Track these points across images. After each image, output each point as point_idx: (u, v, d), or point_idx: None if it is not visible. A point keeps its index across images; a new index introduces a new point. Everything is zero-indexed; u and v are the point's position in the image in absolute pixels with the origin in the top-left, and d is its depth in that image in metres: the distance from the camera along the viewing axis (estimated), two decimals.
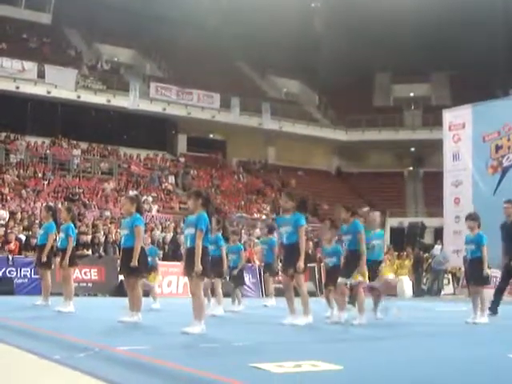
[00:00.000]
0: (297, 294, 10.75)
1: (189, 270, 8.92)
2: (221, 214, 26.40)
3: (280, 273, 11.33)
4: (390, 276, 11.15)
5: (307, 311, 10.60)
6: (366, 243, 11.44)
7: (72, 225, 13.67)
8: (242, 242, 27.99)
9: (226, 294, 14.82)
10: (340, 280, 11.46)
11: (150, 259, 15.20)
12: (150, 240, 16.43)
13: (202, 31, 48.32)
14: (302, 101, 53.35)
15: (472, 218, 12.23)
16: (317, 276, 25.51)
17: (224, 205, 37.60)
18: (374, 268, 11.80)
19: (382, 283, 11.74)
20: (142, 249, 10.46)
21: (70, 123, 39.71)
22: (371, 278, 11.60)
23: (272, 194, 42.39)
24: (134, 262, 10.18)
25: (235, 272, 15.00)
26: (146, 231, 20.20)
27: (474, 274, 12.00)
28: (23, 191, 30.46)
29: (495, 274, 25.68)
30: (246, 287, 23.12)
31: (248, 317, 13.58)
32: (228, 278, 14.98)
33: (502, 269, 14.30)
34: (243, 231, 30.37)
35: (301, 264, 10.32)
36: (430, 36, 48.02)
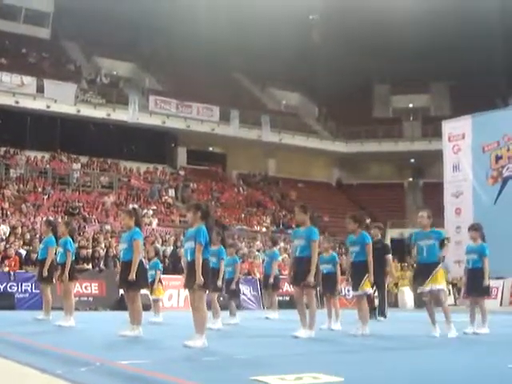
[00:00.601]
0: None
1: (190, 283, 8.89)
2: (220, 227, 26.40)
3: (292, 285, 11.31)
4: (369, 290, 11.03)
5: (312, 325, 10.56)
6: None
7: (70, 239, 13.65)
8: (242, 254, 28.08)
9: (223, 307, 14.86)
10: (353, 293, 11.58)
11: (153, 272, 15.28)
12: (154, 253, 16.38)
13: (200, 44, 48.37)
14: (301, 113, 53.40)
15: (474, 228, 12.24)
16: (318, 288, 25.48)
17: (224, 217, 37.57)
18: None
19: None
20: (141, 262, 10.45)
21: (69, 137, 39.70)
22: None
23: (272, 207, 42.38)
24: (132, 276, 10.18)
25: (233, 285, 15.04)
26: (145, 244, 20.20)
27: (475, 285, 11.97)
28: (23, 206, 30.44)
29: (496, 284, 25.72)
30: (247, 299, 23.15)
31: (249, 329, 13.56)
32: (224, 291, 15.05)
33: None
34: (243, 244, 30.35)
35: (311, 279, 10.33)
36: (429, 47, 48.12)
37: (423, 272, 10.94)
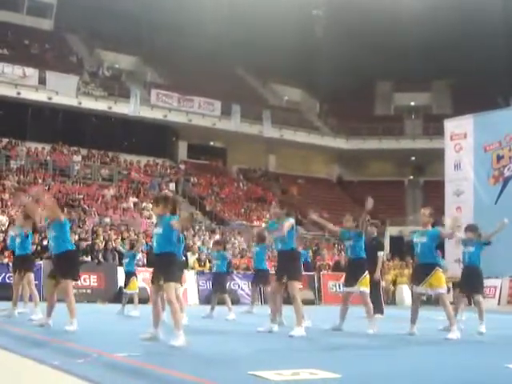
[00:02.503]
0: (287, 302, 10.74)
1: (162, 276, 8.71)
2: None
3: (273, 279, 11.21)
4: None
5: (300, 320, 10.40)
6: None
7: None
8: (241, 249, 28.11)
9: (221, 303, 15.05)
10: (346, 289, 11.51)
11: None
12: (128, 246, 16.59)
13: (203, 38, 48.33)
14: (302, 109, 53.37)
15: (471, 229, 12.26)
16: (316, 284, 25.56)
17: (224, 212, 37.59)
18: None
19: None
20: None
21: (70, 129, 39.67)
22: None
23: (272, 202, 42.33)
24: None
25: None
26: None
27: (470, 282, 11.99)
28: (23, 197, 30.40)
29: (494, 284, 25.79)
30: (244, 295, 23.17)
31: (245, 325, 13.56)
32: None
33: None
34: (243, 239, 30.37)
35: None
36: (432, 45, 48.04)
37: (418, 272, 10.92)
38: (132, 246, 16.52)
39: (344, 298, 11.81)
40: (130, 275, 15.82)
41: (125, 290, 15.91)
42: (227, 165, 47.58)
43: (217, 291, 15.77)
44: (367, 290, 11.53)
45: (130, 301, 15.76)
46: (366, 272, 11.50)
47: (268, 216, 33.66)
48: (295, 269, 10.56)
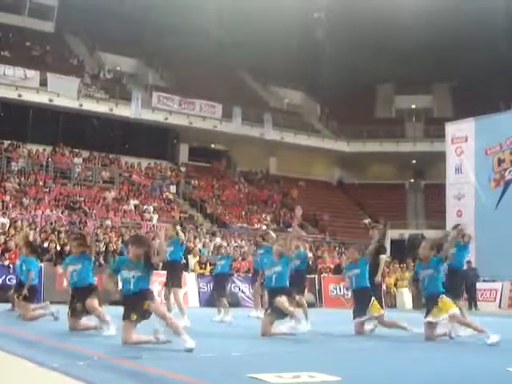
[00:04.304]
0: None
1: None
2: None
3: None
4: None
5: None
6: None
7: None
8: (242, 252, 28.10)
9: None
10: (357, 320, 11.43)
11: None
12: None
13: (204, 41, 48.37)
14: (303, 112, 53.34)
15: (454, 228, 12.28)
16: (316, 287, 25.56)
17: (225, 215, 37.59)
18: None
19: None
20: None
21: (71, 132, 39.66)
22: None
23: (273, 205, 42.36)
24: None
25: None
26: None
27: (452, 287, 11.96)
28: (24, 199, 30.46)
29: (495, 287, 25.75)
30: (245, 297, 23.17)
31: (246, 327, 13.55)
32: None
33: None
34: (244, 242, 30.39)
35: None
36: (432, 47, 48.10)
37: (427, 302, 10.74)
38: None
39: (358, 328, 11.63)
40: None
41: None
42: (231, 167, 47.45)
43: (217, 292, 15.73)
44: (381, 312, 11.50)
45: None
46: (373, 299, 11.44)
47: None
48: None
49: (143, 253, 8.78)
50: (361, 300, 11.46)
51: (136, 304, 8.67)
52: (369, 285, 11.55)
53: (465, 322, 10.65)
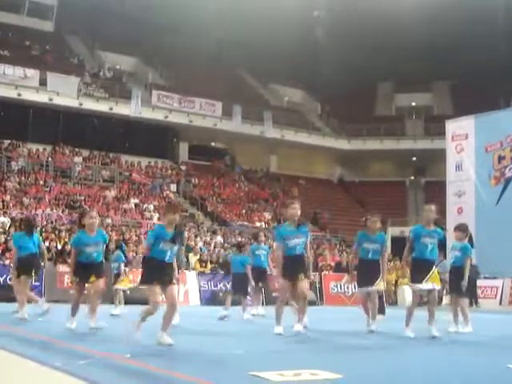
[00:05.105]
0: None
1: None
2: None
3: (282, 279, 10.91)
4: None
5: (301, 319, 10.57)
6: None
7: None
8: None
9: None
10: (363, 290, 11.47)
11: (117, 265, 15.61)
12: (113, 245, 16.59)
13: (204, 39, 48.38)
14: (304, 110, 53.36)
15: (460, 228, 12.22)
16: (317, 285, 25.54)
17: (225, 213, 37.59)
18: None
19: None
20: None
21: (71, 131, 39.65)
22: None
23: (273, 203, 42.35)
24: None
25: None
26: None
27: (456, 285, 11.89)
28: (24, 198, 30.46)
29: (496, 284, 25.80)
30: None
31: (246, 325, 13.55)
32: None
33: None
34: (244, 239, 30.37)
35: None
36: (432, 45, 48.10)
37: (423, 269, 10.76)
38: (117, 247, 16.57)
39: (364, 298, 11.68)
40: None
41: (116, 286, 15.91)
42: (234, 165, 47.40)
43: (236, 292, 15.51)
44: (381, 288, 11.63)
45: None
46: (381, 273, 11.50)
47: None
48: None
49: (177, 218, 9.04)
50: (372, 271, 11.44)
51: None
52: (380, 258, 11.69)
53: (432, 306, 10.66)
